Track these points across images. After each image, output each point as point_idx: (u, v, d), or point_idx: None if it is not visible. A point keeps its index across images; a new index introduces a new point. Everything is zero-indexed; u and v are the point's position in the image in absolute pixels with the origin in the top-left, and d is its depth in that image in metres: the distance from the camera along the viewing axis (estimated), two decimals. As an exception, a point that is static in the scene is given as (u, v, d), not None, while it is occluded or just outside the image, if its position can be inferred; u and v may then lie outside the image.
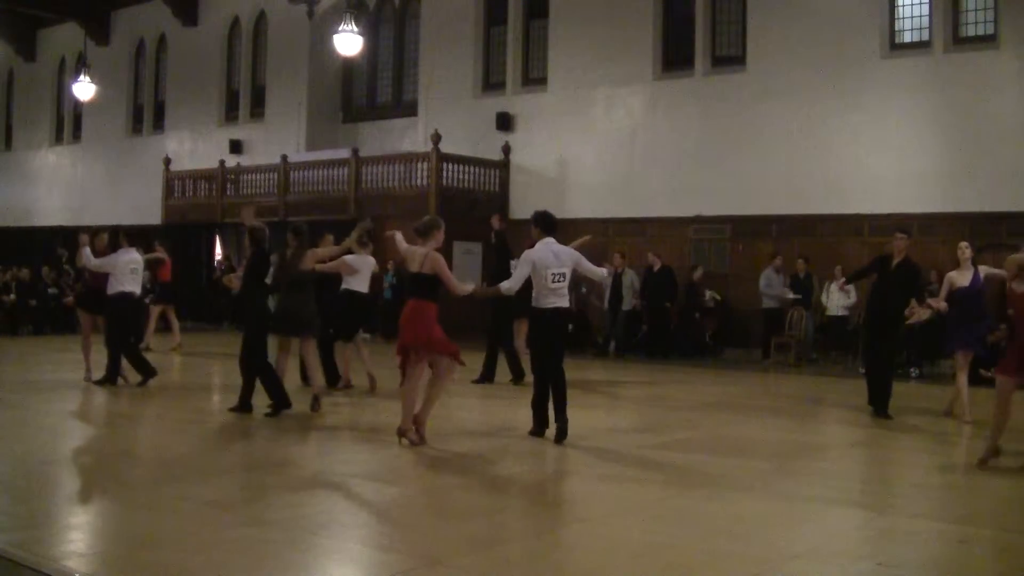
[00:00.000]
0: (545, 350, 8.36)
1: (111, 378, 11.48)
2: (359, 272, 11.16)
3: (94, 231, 12.01)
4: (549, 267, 8.15)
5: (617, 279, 17.31)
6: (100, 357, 11.79)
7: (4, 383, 11.99)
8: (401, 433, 7.97)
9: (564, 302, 8.35)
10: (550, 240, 8.33)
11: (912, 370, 14.33)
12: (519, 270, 8.35)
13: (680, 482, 6.99)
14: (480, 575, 4.86)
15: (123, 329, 11.59)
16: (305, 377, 10.80)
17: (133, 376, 11.57)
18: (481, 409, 8.50)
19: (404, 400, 8.01)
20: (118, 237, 11.73)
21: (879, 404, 10.20)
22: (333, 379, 11.38)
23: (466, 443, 8.19)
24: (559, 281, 8.19)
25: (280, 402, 9.36)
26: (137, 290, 11.72)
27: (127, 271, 11.43)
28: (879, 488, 7.23)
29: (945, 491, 7.01)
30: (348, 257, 11.03)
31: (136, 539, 5.33)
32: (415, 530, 5.68)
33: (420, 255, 8.00)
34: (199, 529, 5.50)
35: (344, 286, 11.25)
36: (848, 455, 8.58)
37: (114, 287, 11.36)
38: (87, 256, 11.45)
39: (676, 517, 6.02)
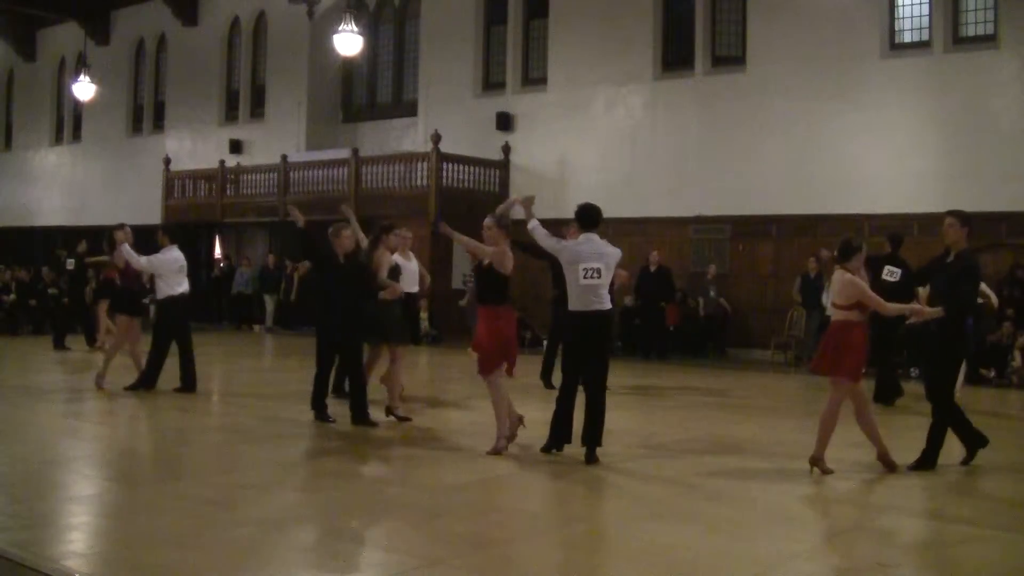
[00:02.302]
0: (580, 358, 7.63)
1: (147, 383, 10.99)
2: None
3: (120, 226, 11.34)
4: (583, 261, 7.43)
5: None
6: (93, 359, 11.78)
7: (4, 383, 11.99)
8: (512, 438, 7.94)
9: (602, 304, 7.48)
10: (592, 236, 7.59)
11: (912, 370, 14.33)
12: (547, 241, 7.68)
13: (680, 482, 6.99)
14: (480, 575, 4.86)
15: (170, 334, 11.02)
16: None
17: (121, 380, 11.47)
18: (482, 409, 8.49)
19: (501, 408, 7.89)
20: (162, 235, 11.28)
21: (880, 393, 10.44)
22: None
23: (466, 443, 8.18)
24: (590, 277, 7.40)
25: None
26: (187, 289, 11.16)
27: (175, 270, 10.97)
28: (879, 488, 7.23)
29: (946, 491, 7.01)
30: (396, 256, 10.98)
31: (136, 539, 5.33)
32: (415, 530, 5.68)
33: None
34: (199, 529, 5.50)
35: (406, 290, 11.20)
36: (848, 455, 8.57)
37: (163, 290, 10.91)
38: (130, 254, 10.86)
39: (676, 517, 6.02)
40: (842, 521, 6.15)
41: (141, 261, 10.94)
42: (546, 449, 7.81)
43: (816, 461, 7.31)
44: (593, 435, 7.52)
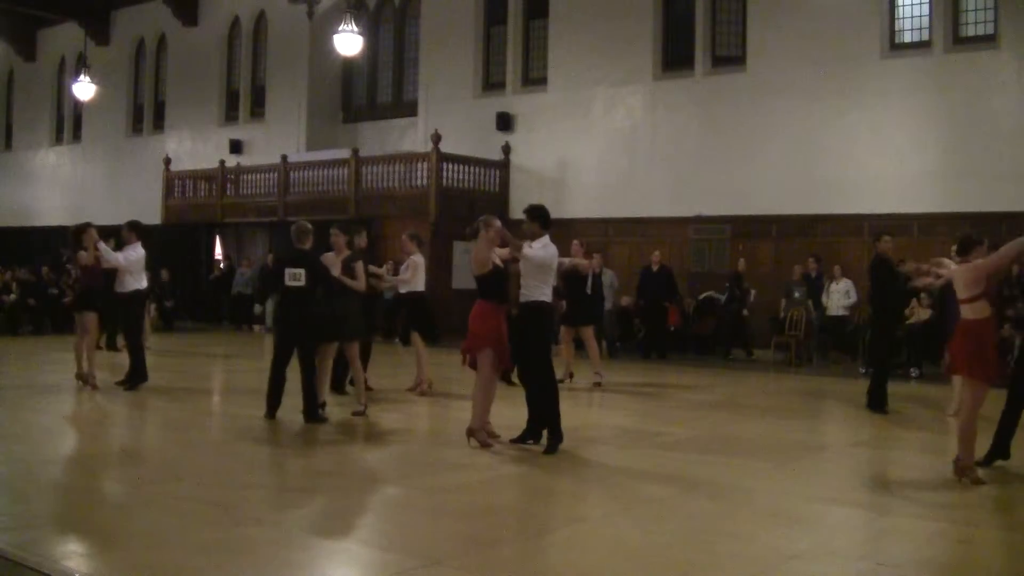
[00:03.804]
0: (546, 345, 8.10)
1: (141, 378, 11.29)
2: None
3: (85, 226, 11.54)
4: (555, 262, 8.04)
5: (596, 279, 17.19)
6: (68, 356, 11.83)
7: (4, 383, 11.99)
8: (469, 433, 7.95)
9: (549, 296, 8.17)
10: (548, 238, 8.03)
11: (912, 370, 14.33)
12: (542, 255, 7.95)
13: (680, 482, 6.99)
14: (480, 575, 4.86)
15: (139, 327, 11.55)
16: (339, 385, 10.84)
17: (111, 376, 11.60)
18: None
19: (474, 401, 7.99)
20: (128, 233, 11.57)
21: (876, 401, 10.37)
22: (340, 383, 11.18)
23: (465, 443, 8.18)
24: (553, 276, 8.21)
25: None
26: (145, 285, 11.69)
27: (140, 267, 11.41)
28: (879, 488, 7.23)
29: (945, 491, 7.00)
30: (415, 258, 11.18)
31: (136, 539, 5.33)
32: (415, 530, 5.68)
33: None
34: (199, 529, 5.50)
35: (415, 288, 11.33)
36: (848, 455, 8.58)
37: (129, 285, 11.29)
38: (107, 252, 11.16)
39: (676, 517, 6.02)
40: (842, 521, 6.14)
41: (119, 258, 11.22)
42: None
43: (967, 470, 7.03)
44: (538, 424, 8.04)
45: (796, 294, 16.69)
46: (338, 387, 10.82)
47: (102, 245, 11.23)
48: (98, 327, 11.92)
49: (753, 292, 17.07)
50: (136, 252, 11.37)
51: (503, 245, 8.22)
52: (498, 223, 8.06)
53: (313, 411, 9.14)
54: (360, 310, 9.72)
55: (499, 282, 8.05)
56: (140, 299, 11.55)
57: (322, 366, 9.63)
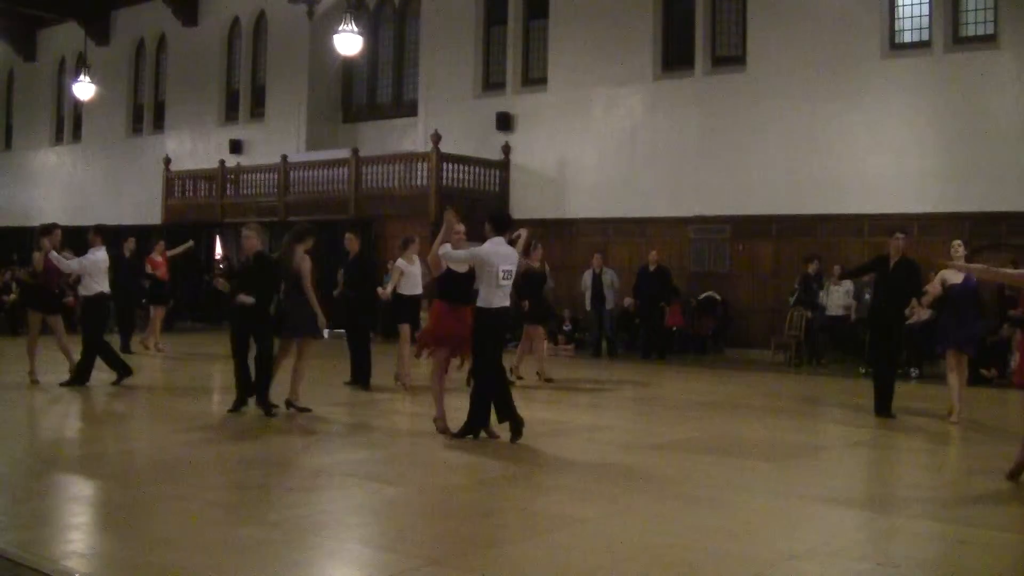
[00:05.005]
0: (497, 348, 8.33)
1: (83, 379, 11.42)
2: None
3: (48, 228, 11.62)
4: (501, 264, 8.16)
5: (597, 279, 17.24)
6: (56, 355, 11.93)
7: (5, 383, 11.99)
8: (434, 421, 8.68)
9: (508, 300, 8.34)
10: (500, 240, 8.32)
11: (912, 370, 14.33)
12: (462, 253, 8.28)
13: (680, 482, 6.99)
14: (480, 575, 4.86)
15: (101, 329, 11.68)
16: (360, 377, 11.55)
17: (108, 376, 11.65)
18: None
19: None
20: (93, 235, 11.75)
21: (882, 404, 10.27)
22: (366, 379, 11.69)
23: (464, 444, 8.19)
24: (507, 279, 8.25)
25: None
26: (108, 289, 11.77)
27: (102, 271, 11.50)
28: (879, 488, 7.22)
29: (946, 491, 7.01)
30: (401, 261, 11.53)
31: (137, 539, 5.33)
32: (415, 530, 5.68)
33: None
34: (199, 529, 5.51)
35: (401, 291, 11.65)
36: (848, 455, 8.58)
37: (92, 288, 11.40)
38: (59, 260, 11.25)
39: (676, 517, 6.02)
40: (842, 521, 6.14)
41: (72, 264, 11.39)
42: (485, 431, 8.34)
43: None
44: (514, 414, 8.21)
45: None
46: (363, 382, 11.57)
47: (53, 254, 11.25)
48: (64, 328, 12.00)
49: (821, 293, 16.60)
50: (96, 256, 11.47)
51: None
52: (450, 218, 8.35)
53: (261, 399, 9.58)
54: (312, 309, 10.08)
55: (451, 283, 8.36)
56: (102, 302, 11.57)
57: (276, 363, 10.02)
